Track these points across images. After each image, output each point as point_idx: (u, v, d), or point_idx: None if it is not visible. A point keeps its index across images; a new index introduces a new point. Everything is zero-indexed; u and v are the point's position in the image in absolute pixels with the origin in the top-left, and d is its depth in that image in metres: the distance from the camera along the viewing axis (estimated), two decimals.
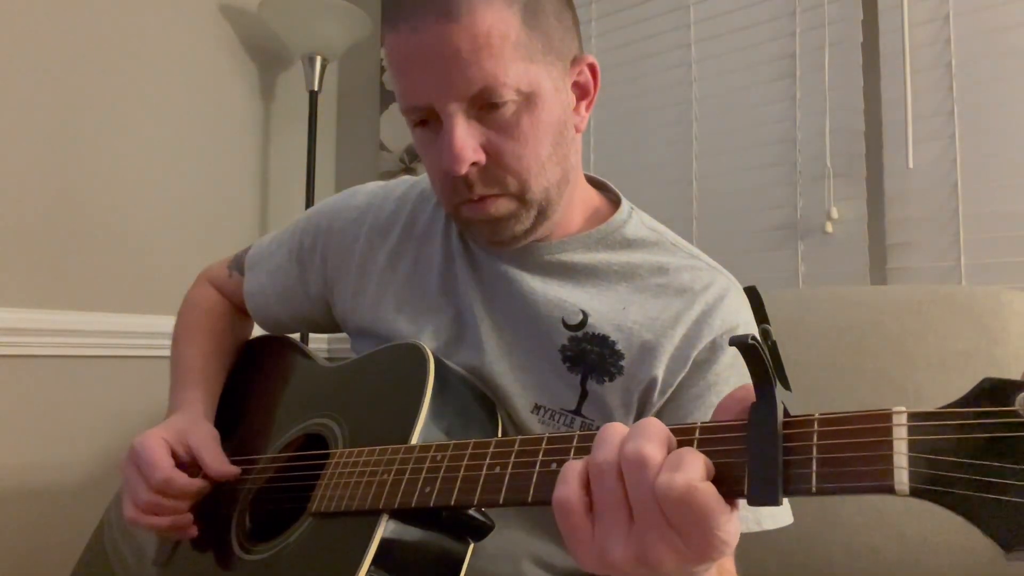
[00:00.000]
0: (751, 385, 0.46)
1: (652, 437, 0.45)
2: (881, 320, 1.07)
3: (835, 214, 1.36)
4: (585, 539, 0.46)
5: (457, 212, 0.75)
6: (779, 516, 0.72)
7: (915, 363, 1.03)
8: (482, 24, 0.66)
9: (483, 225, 0.74)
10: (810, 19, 1.42)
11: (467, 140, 0.68)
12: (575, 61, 0.75)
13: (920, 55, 1.30)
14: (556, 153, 0.73)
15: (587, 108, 0.78)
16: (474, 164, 0.69)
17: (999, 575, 0.89)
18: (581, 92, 0.77)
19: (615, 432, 0.47)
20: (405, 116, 0.73)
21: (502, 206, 0.72)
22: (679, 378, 0.73)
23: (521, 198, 0.72)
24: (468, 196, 0.72)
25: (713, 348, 0.73)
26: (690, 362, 0.73)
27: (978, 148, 1.24)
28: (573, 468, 0.47)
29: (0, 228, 1.46)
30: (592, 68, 0.77)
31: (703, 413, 0.72)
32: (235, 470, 0.79)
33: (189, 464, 0.79)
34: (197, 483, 0.77)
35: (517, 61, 0.68)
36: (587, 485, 0.47)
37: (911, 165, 1.29)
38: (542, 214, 0.75)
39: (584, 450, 0.52)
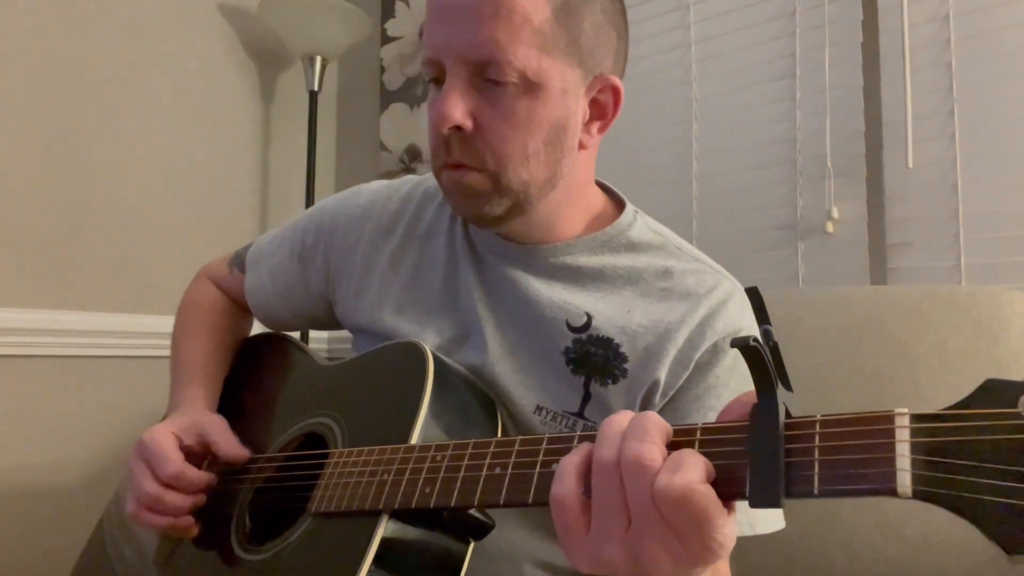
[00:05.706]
0: None
1: (652, 436, 0.45)
2: (881, 320, 1.07)
3: (835, 214, 1.36)
4: (580, 537, 0.46)
5: (439, 176, 0.76)
6: (772, 521, 0.72)
7: (915, 363, 1.02)
8: None
9: (456, 196, 0.75)
10: (810, 19, 1.42)
11: (459, 102, 0.69)
12: (600, 78, 0.74)
13: (920, 55, 1.30)
14: (546, 152, 0.72)
15: (600, 130, 0.77)
16: (460, 129, 0.70)
17: (999, 575, 0.89)
18: (599, 112, 0.76)
19: (615, 430, 0.47)
20: (424, 69, 0.74)
21: (475, 180, 0.72)
22: (680, 381, 0.72)
23: (496, 181, 0.72)
24: (446, 160, 0.72)
25: (714, 351, 0.73)
26: (692, 364, 0.72)
27: (978, 148, 1.24)
28: (570, 464, 0.47)
29: (0, 228, 1.46)
30: (615, 91, 0.75)
31: (701, 415, 0.72)
32: (247, 452, 0.79)
33: (198, 456, 0.79)
34: (207, 476, 0.77)
35: (532, 47, 0.68)
36: (584, 482, 0.47)
37: (911, 165, 1.29)
38: (517, 207, 0.74)
39: None
